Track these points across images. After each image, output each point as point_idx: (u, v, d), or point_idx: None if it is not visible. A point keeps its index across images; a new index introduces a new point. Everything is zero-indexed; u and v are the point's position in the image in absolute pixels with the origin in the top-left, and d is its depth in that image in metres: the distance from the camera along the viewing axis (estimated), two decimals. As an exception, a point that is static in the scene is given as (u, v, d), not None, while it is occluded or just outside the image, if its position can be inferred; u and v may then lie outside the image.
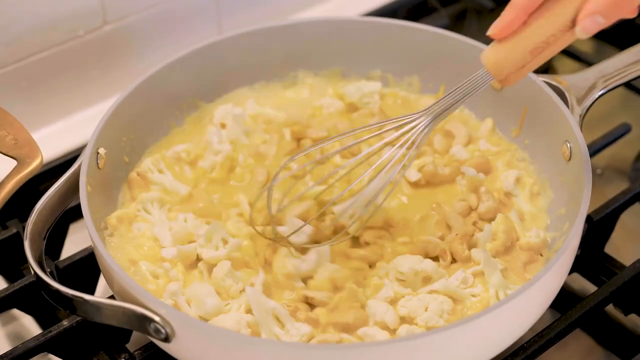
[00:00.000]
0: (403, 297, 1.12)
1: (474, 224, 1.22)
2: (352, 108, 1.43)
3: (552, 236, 1.20)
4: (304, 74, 1.47)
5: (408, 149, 1.10)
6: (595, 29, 1.00)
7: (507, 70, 1.06)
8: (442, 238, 1.20)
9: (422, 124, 1.10)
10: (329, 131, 1.36)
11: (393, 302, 1.12)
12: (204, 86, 1.42)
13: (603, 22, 0.99)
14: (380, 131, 1.14)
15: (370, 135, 1.16)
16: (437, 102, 1.10)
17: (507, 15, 1.03)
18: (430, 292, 1.12)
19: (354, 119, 1.41)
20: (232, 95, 1.44)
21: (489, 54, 1.06)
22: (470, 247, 1.19)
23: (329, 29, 1.44)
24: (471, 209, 1.24)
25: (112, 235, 1.19)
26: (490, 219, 1.21)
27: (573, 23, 1.01)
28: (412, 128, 1.10)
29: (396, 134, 1.11)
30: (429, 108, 1.10)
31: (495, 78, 1.07)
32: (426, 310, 1.09)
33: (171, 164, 1.32)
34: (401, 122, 1.12)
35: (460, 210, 1.23)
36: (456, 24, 1.78)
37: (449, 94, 1.09)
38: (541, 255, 1.18)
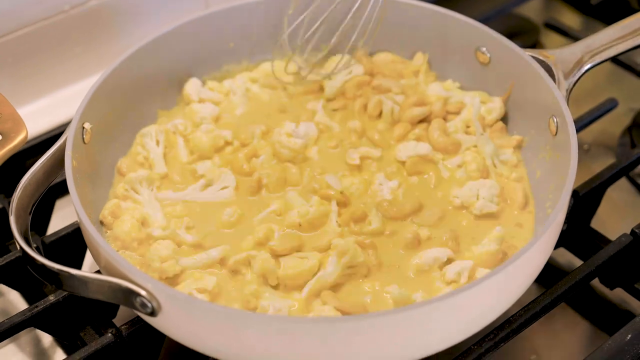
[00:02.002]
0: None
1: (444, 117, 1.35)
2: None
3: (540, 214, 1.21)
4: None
5: None
6: None
7: None
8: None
9: None
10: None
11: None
12: (190, 62, 1.41)
13: None
14: None
15: None
16: None
17: None
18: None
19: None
20: (220, 72, 1.44)
21: None
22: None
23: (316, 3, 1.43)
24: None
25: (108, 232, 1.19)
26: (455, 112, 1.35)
27: None
28: None
29: None
30: None
31: None
32: (478, 198, 1.19)
33: (168, 137, 1.32)
34: None
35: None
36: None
37: None
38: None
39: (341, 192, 1.21)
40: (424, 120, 1.34)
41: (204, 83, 1.42)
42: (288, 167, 1.26)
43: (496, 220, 1.20)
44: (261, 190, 1.24)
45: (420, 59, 1.43)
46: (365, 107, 1.36)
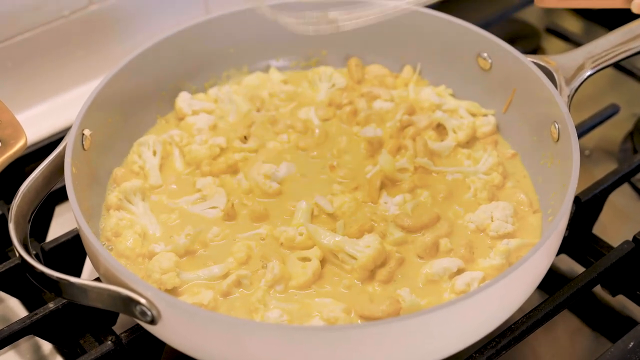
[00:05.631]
0: None
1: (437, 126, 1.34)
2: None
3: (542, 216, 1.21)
4: (289, 56, 1.47)
5: None
6: None
7: None
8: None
9: None
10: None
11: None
12: (190, 68, 1.41)
13: None
14: None
15: None
16: None
17: None
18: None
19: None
20: (221, 79, 1.44)
21: None
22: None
23: (313, 7, 1.43)
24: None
25: (112, 249, 1.18)
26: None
27: None
28: None
29: None
30: None
31: None
32: (493, 220, 1.17)
33: (165, 148, 1.31)
34: None
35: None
36: (445, 4, 1.77)
37: None
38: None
39: (331, 214, 1.20)
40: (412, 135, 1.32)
41: (214, 85, 1.43)
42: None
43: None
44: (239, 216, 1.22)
45: (409, 71, 1.43)
46: (354, 113, 1.36)
